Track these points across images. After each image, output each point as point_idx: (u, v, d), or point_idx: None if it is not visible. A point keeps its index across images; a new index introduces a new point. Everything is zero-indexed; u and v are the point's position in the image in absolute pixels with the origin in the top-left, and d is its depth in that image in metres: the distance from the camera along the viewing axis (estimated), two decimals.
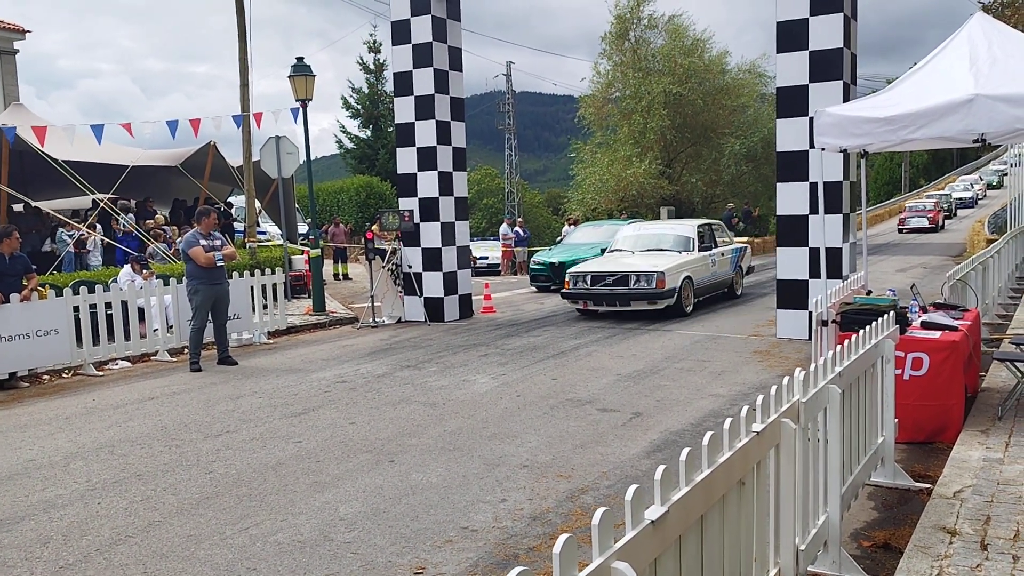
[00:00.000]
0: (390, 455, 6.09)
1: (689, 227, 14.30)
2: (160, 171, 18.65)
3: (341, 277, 22.14)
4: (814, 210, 10.23)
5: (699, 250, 13.74)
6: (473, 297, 14.70)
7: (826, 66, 10.21)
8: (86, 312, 10.15)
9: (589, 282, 13.03)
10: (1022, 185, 27.39)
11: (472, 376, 8.94)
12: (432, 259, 13.87)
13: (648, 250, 13.87)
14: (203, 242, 9.97)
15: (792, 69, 10.46)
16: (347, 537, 4.58)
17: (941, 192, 53.51)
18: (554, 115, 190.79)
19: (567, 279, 13.36)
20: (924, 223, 37.11)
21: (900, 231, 37.48)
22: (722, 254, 14.69)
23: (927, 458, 5.65)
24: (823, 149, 6.77)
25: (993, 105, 5.70)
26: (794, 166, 10.50)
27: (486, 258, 25.64)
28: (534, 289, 19.01)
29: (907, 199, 55.62)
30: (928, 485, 4.96)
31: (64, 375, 10.00)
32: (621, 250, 14.25)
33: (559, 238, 24.39)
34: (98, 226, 16.06)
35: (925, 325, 6.35)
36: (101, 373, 10.12)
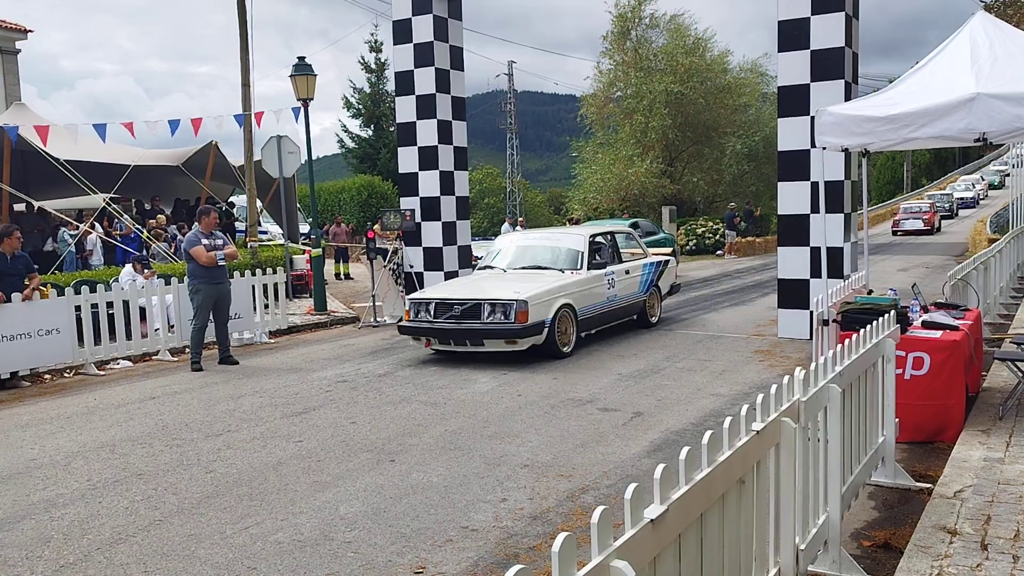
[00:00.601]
0: (391, 454, 6.09)
1: (578, 238, 11.02)
2: (162, 171, 18.68)
3: (342, 277, 22.15)
4: (815, 209, 10.22)
5: (590, 268, 10.58)
6: None
7: (828, 65, 10.21)
8: (87, 312, 10.15)
9: (432, 312, 9.80)
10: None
11: (473, 375, 8.94)
12: (433, 258, 13.87)
13: (526, 268, 10.78)
14: (204, 241, 9.98)
15: (793, 68, 10.45)
16: (347, 536, 4.58)
17: (942, 192, 53.05)
18: (556, 114, 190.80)
19: (407, 307, 10.22)
20: (919, 225, 35.75)
21: (894, 233, 35.86)
22: (627, 272, 11.41)
23: (928, 458, 5.64)
24: (824, 148, 6.76)
25: (994, 104, 5.69)
26: (796, 165, 10.50)
27: None
28: None
29: (908, 199, 55.48)
30: (929, 485, 4.96)
31: (65, 375, 10.01)
32: (492, 267, 11.15)
33: None
34: (97, 226, 16.06)
35: (926, 325, 6.35)
36: (102, 373, 10.13)
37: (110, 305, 10.49)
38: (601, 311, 10.71)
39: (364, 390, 8.40)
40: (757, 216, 31.98)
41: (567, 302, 9.85)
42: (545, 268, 10.61)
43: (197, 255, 9.81)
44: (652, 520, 2.19)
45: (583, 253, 10.67)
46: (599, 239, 11.46)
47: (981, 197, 54.84)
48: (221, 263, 9.99)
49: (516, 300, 9.28)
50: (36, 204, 16.60)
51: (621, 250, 12.13)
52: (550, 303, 9.62)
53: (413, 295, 10.31)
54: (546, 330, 9.50)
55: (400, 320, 10.82)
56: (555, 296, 9.73)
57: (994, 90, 5.72)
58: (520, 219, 31.20)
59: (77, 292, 10.16)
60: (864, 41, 11.54)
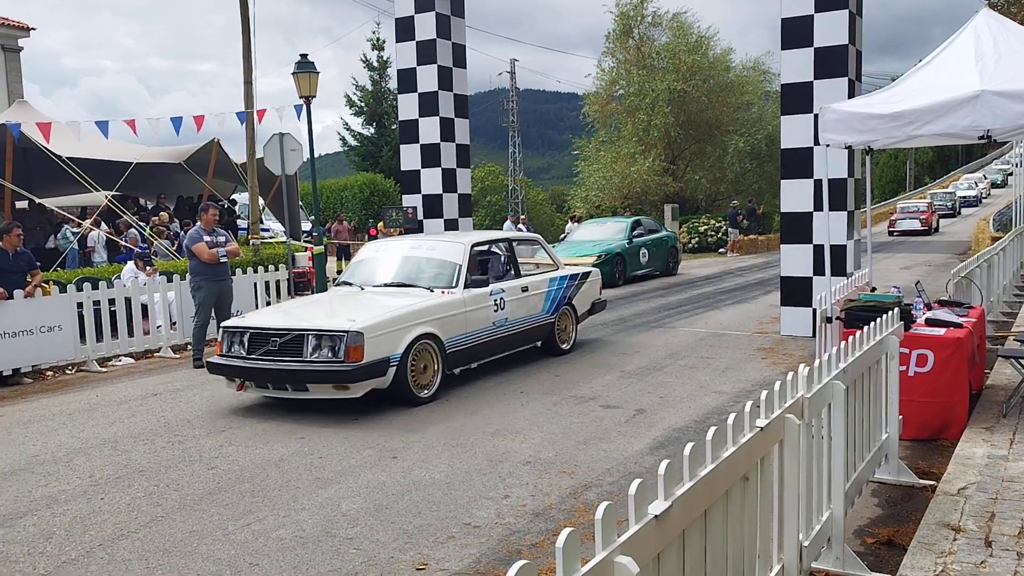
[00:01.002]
0: (393, 451, 6.08)
1: (456, 247, 8.67)
2: (164, 168, 18.68)
3: None
4: (818, 207, 10.20)
5: (469, 285, 8.34)
6: None
7: (831, 63, 10.18)
8: (90, 309, 10.15)
9: (247, 345, 7.51)
10: None
11: (474, 372, 8.92)
12: None
13: (388, 284, 8.55)
14: (206, 238, 9.97)
15: (797, 66, 10.43)
16: (349, 533, 4.58)
17: (945, 191, 52.91)
18: (558, 112, 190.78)
19: (219, 337, 7.92)
20: (916, 225, 34.74)
21: (890, 234, 34.59)
22: (524, 289, 9.14)
23: (931, 455, 5.63)
24: (828, 145, 6.74)
25: (998, 101, 5.66)
26: (799, 163, 10.47)
27: None
28: None
29: (910, 197, 55.39)
30: (932, 482, 4.95)
31: (67, 371, 10.01)
32: (349, 283, 8.90)
33: (562, 235, 24.38)
34: (103, 224, 16.06)
35: (930, 322, 6.33)
36: (104, 369, 10.13)
37: (112, 302, 10.49)
38: (483, 340, 8.46)
39: None
40: (760, 214, 31.93)
41: (428, 331, 7.62)
42: (410, 286, 8.38)
43: (199, 252, 9.80)
44: (656, 516, 2.18)
45: (460, 267, 8.42)
46: (486, 249, 9.51)
47: (984, 196, 54.80)
48: (223, 260, 9.98)
49: (347, 331, 6.97)
50: (38, 201, 16.61)
51: (527, 261, 10.48)
52: (401, 333, 7.33)
53: (227, 322, 8.04)
54: (392, 369, 7.21)
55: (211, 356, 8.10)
56: (409, 324, 7.46)
57: (999, 87, 5.69)
58: (523, 217, 31.17)
59: (79, 289, 10.16)
60: (867, 38, 11.51)
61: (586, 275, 10.45)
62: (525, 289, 9.19)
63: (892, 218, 36.83)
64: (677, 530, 2.34)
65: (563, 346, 9.83)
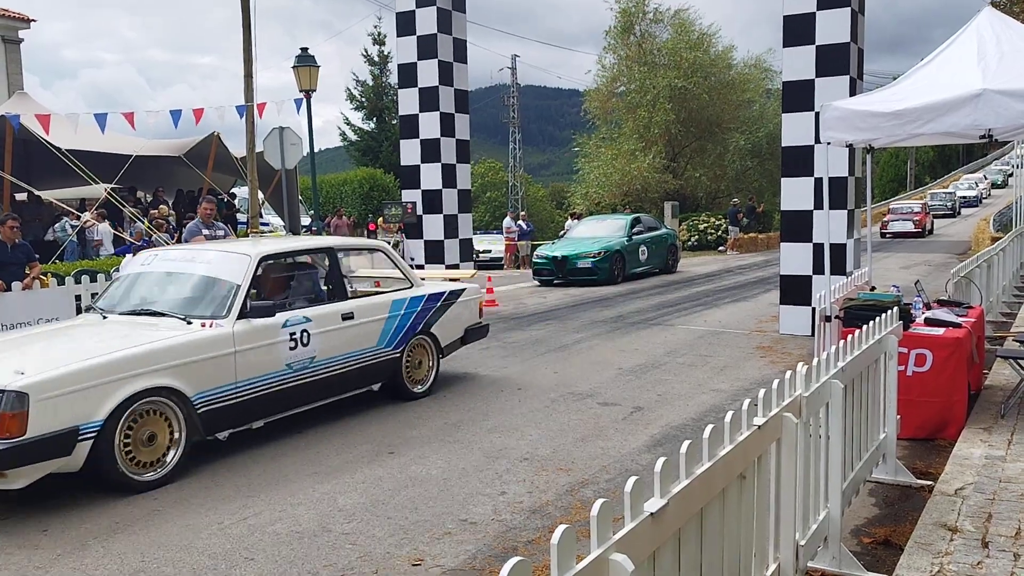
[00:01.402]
0: (390, 447, 6.07)
1: (238, 261, 6.35)
2: (164, 161, 18.64)
3: None
4: (819, 205, 10.18)
5: (249, 314, 6.07)
6: None
7: (833, 60, 10.16)
8: (88, 301, 10.12)
9: None
10: None
11: (473, 369, 8.91)
12: (435, 251, 13.84)
13: (137, 311, 6.26)
14: (204, 232, 9.95)
15: (798, 63, 10.41)
16: (346, 528, 4.57)
17: (945, 191, 52.69)
18: (559, 109, 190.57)
19: None
20: (908, 227, 33.44)
21: (883, 235, 32.93)
22: (346, 316, 6.87)
23: (929, 455, 5.62)
24: (829, 143, 6.73)
25: (1001, 100, 5.65)
26: (799, 161, 10.45)
27: (489, 251, 25.62)
28: (537, 283, 18.97)
29: (910, 197, 55.35)
30: (930, 482, 4.94)
31: None
32: (95, 308, 6.62)
33: (562, 232, 24.37)
34: (106, 220, 16.00)
35: (929, 322, 6.32)
36: None
37: None
38: (269, 389, 6.17)
39: None
40: (759, 212, 31.92)
41: (162, 384, 5.38)
42: (163, 314, 6.11)
43: (197, 244, 9.78)
44: (652, 514, 2.17)
45: (237, 289, 6.11)
46: (287, 262, 7.16)
47: (984, 196, 54.74)
48: None
49: (2, 391, 4.77)
50: (37, 193, 16.57)
51: (386, 275, 8.24)
52: (103, 391, 5.07)
53: None
54: (86, 445, 5.00)
55: None
56: (122, 375, 5.18)
57: (1001, 86, 5.68)
58: (523, 213, 31.13)
59: (78, 282, 10.14)
60: (869, 38, 11.49)
61: (456, 293, 8.13)
62: (348, 316, 6.86)
63: (885, 219, 35.26)
64: (673, 528, 2.33)
65: (415, 388, 7.59)
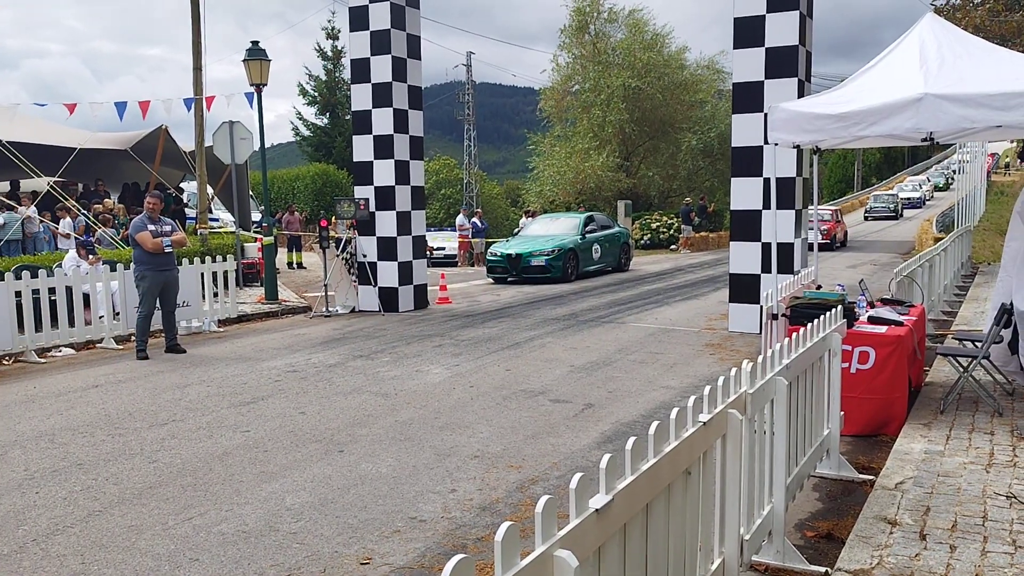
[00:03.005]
0: (340, 445, 6.02)
1: None
2: (109, 154, 18.26)
3: (295, 266, 21.88)
4: (767, 205, 10.34)
5: None
6: (428, 287, 14.63)
7: (782, 63, 10.32)
8: (28, 297, 9.86)
9: None
10: (969, 186, 28.11)
11: (425, 367, 8.88)
12: (387, 248, 13.75)
13: None
14: (151, 227, 9.76)
15: (748, 65, 10.56)
16: (293, 527, 4.52)
17: (889, 192, 52.77)
18: (514, 107, 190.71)
19: None
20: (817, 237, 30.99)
21: None
22: None
23: (871, 450, 5.75)
24: (776, 144, 6.83)
25: (941, 104, 5.79)
26: (749, 161, 10.60)
27: (443, 248, 25.57)
28: (491, 280, 18.99)
29: (859, 196, 56.49)
30: (871, 477, 5.05)
31: (4, 362, 9.72)
32: None
33: (516, 230, 24.40)
34: (33, 210, 15.55)
35: (872, 320, 6.46)
36: (43, 360, 9.86)
37: (53, 291, 10.21)
38: None
39: (314, 380, 8.29)
40: (711, 211, 32.31)
41: None
42: None
43: (142, 241, 9.59)
44: (597, 510, 2.18)
45: None
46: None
47: (927, 197, 55.83)
48: (168, 250, 9.76)
49: None
50: None
51: None
52: None
53: None
54: None
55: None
56: None
57: (941, 91, 5.82)
58: (477, 211, 31.08)
59: (18, 277, 9.87)
60: (821, 40, 11.73)
61: None
62: None
63: None
64: (618, 524, 2.34)
65: None
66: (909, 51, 6.48)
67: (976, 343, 6.93)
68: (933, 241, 19.65)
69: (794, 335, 4.39)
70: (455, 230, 26.39)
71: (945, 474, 4.84)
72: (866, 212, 44.64)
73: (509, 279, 18.45)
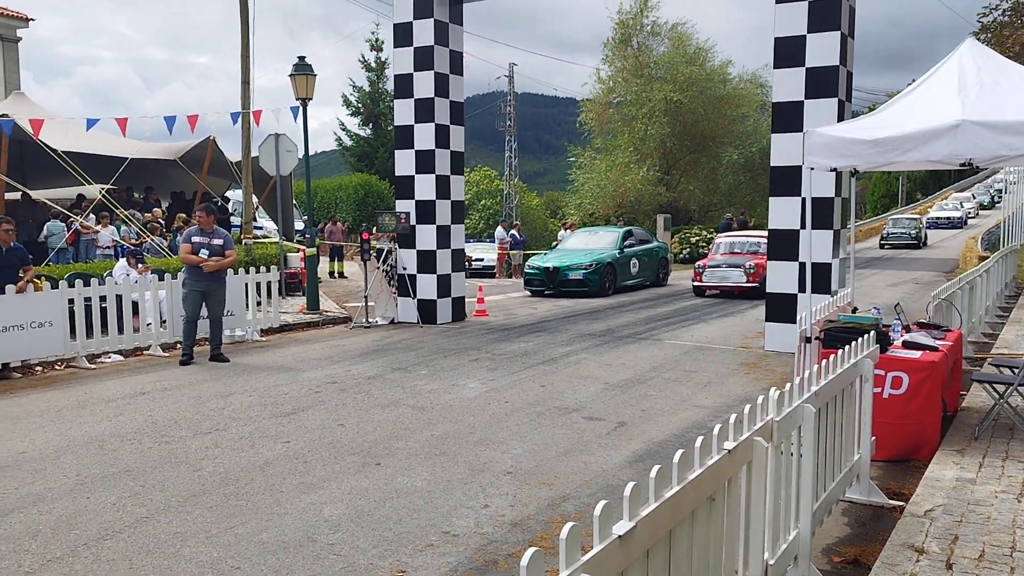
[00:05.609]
0: (377, 458, 6.17)
1: None
2: (159, 164, 18.72)
3: (336, 275, 22.23)
4: (805, 225, 10.32)
5: None
6: (466, 300, 14.79)
7: (822, 83, 10.33)
8: (81, 305, 10.21)
9: None
10: (1016, 204, 27.59)
11: (462, 380, 9.03)
12: (427, 261, 13.95)
13: None
14: (195, 239, 10.08)
15: (788, 85, 10.58)
16: (331, 539, 4.67)
17: (910, 217, 42.21)
18: (555, 117, 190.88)
19: None
20: (735, 278, 18.02)
21: (700, 292, 18.58)
22: None
23: (903, 476, 5.75)
24: (812, 168, 6.87)
25: (979, 131, 5.79)
26: (787, 181, 10.60)
27: (482, 259, 25.77)
28: (528, 293, 19.11)
29: (904, 212, 55.38)
30: (901, 503, 5.06)
31: (57, 367, 10.06)
32: None
33: (554, 243, 24.51)
34: (111, 227, 15.99)
35: (906, 344, 6.46)
36: (93, 366, 10.19)
37: (103, 299, 10.55)
38: None
39: (353, 392, 8.48)
40: (751, 226, 32.10)
41: None
42: None
43: (181, 253, 9.96)
44: (620, 536, 2.28)
45: None
46: None
47: (970, 216, 53.61)
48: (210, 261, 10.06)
49: None
50: (29, 193, 16.60)
51: None
52: None
53: None
54: None
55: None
56: None
57: (979, 117, 5.82)
58: (517, 223, 31.25)
59: (71, 285, 10.23)
60: (874, 52, 11.82)
61: None
62: None
63: (702, 263, 19.14)
64: (641, 550, 2.44)
65: None
66: (948, 77, 6.49)
67: (1014, 369, 6.88)
68: (977, 260, 19.37)
69: (824, 361, 4.44)
70: (494, 241, 26.60)
71: (976, 502, 4.84)
72: (882, 239, 39.12)
73: (546, 292, 18.55)
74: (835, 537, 4.71)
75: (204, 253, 10.07)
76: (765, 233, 17.93)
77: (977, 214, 55.25)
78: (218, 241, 10.29)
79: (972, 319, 10.85)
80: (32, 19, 26.06)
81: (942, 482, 5.20)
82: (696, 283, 18.52)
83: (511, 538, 4.68)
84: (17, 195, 17.21)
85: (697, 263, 19.53)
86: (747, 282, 17.73)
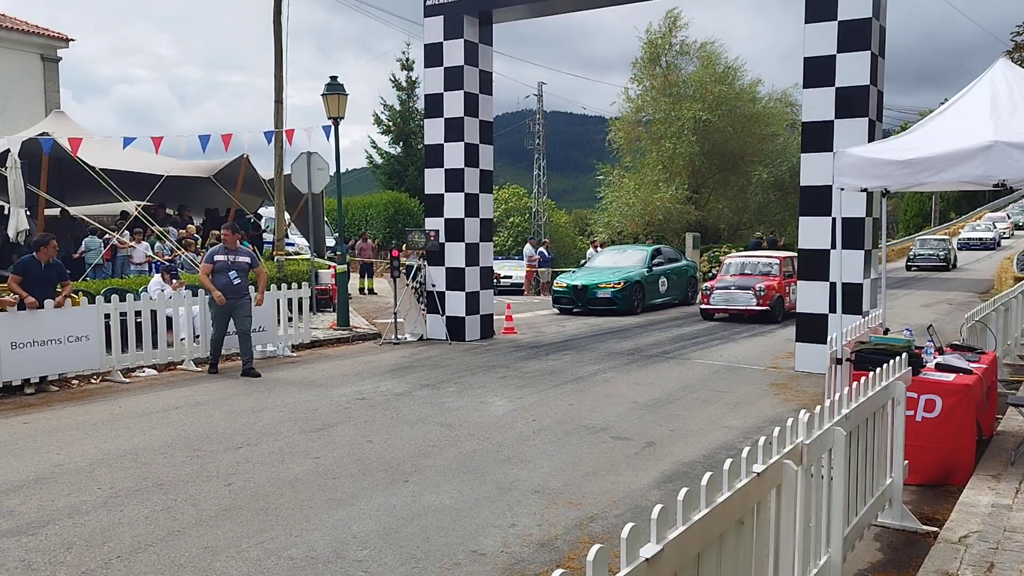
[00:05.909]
0: (405, 475, 6.20)
1: None
2: (193, 181, 19.04)
3: (366, 291, 22.39)
4: (835, 245, 10.25)
5: None
6: (494, 317, 14.83)
7: (852, 103, 10.28)
8: (116, 320, 10.38)
9: None
10: None
11: (490, 398, 9.05)
12: (456, 279, 14.02)
13: None
14: (218, 257, 10.28)
15: (818, 105, 10.54)
16: (359, 555, 4.70)
17: (939, 238, 39.24)
18: (584, 135, 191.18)
19: None
20: (745, 301, 16.80)
21: (709, 316, 17.51)
22: None
23: (936, 501, 5.67)
24: (842, 189, 6.84)
25: (1012, 152, 5.74)
26: (818, 201, 10.54)
27: (510, 277, 25.83)
28: (556, 311, 19.11)
29: (934, 232, 54.37)
30: (935, 528, 4.99)
31: (92, 381, 10.23)
32: None
33: (583, 261, 24.51)
34: (144, 243, 16.27)
35: (939, 367, 6.38)
36: (128, 380, 10.34)
37: (138, 314, 10.72)
38: None
39: (382, 408, 8.53)
40: (781, 245, 31.89)
41: None
42: None
43: (201, 274, 10.32)
44: (647, 559, 2.28)
45: None
46: None
47: (1004, 236, 51.97)
48: (235, 282, 10.27)
49: None
50: (67, 209, 16.93)
51: None
52: None
53: None
54: None
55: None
56: None
57: (1012, 138, 5.77)
58: (545, 240, 31.28)
59: (107, 300, 10.41)
60: (907, 70, 11.77)
61: None
62: None
63: (710, 284, 17.98)
64: (668, 573, 2.43)
65: None
66: (980, 97, 6.45)
67: None
68: (1013, 281, 19.05)
69: (856, 383, 4.41)
70: (523, 259, 26.67)
71: (1012, 529, 4.76)
72: (908, 261, 36.87)
73: (575, 310, 18.55)
74: (867, 563, 4.66)
75: (232, 275, 10.27)
76: (778, 254, 19.08)
77: (1012, 234, 53.92)
78: (243, 259, 10.45)
79: (1007, 341, 10.68)
80: (72, 39, 26.67)
81: (977, 508, 5.12)
82: (703, 306, 17.44)
83: (538, 558, 4.68)
84: (56, 211, 17.58)
85: (704, 284, 18.60)
86: (757, 305, 16.61)
